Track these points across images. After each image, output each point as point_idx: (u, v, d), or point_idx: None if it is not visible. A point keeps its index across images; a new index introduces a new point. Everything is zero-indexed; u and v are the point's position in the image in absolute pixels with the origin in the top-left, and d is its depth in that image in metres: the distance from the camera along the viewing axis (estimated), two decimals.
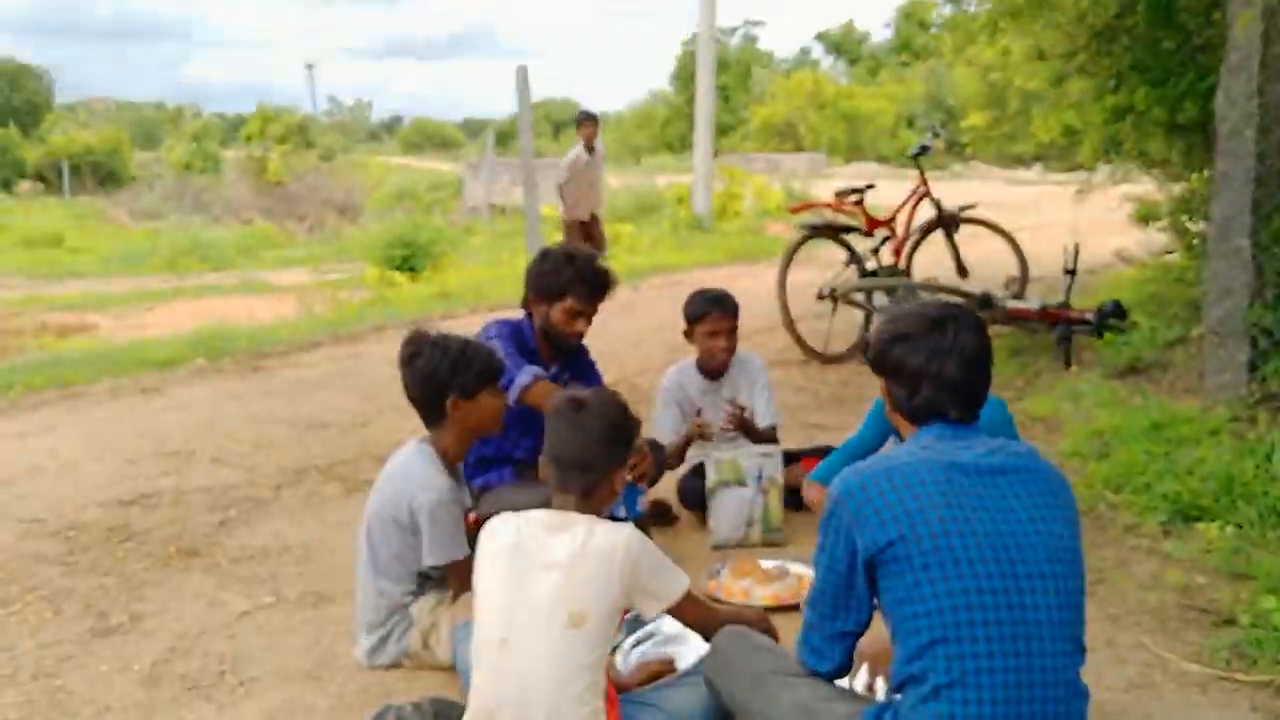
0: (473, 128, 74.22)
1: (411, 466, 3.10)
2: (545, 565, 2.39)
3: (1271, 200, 4.80)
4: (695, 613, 2.60)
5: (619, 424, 2.61)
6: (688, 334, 4.27)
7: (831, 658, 2.27)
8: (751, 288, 8.79)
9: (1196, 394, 5.17)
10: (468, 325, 8.35)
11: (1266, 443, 4.29)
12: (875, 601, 2.18)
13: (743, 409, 4.22)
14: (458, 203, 27.74)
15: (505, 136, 36.64)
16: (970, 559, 1.99)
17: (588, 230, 10.91)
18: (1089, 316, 6.41)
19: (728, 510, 3.94)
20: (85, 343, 8.69)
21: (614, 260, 10.86)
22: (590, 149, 10.76)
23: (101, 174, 33.17)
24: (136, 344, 7.84)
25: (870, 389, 6.34)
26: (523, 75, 11.68)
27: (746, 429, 4.21)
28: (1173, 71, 5.80)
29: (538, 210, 11.62)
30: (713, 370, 4.30)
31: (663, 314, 8.96)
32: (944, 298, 5.36)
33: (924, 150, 7.82)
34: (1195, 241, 7.21)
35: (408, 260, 12.99)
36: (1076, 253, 6.45)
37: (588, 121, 10.87)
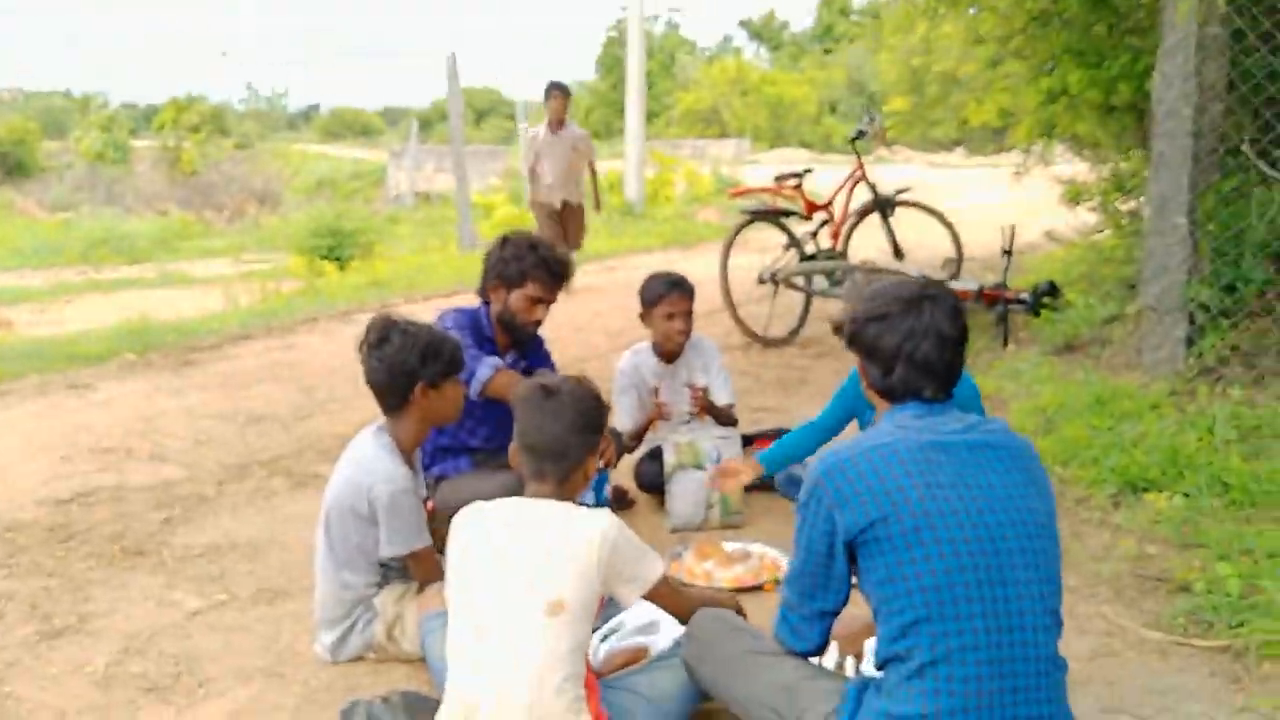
0: (392, 116, 73.33)
1: (369, 456, 3.04)
2: (522, 554, 2.36)
3: (1207, 179, 4.92)
4: (670, 596, 2.58)
5: (591, 410, 2.58)
6: (644, 317, 4.24)
7: (811, 637, 2.27)
8: (688, 272, 8.74)
9: (1135, 369, 5.28)
10: (406, 314, 8.22)
11: (1208, 415, 4.40)
12: (853, 580, 2.18)
13: (704, 389, 4.21)
14: (380, 191, 27.39)
15: (426, 124, 36.23)
16: (951, 538, 1.99)
17: (561, 219, 9.38)
18: (1025, 296, 6.51)
19: (687, 493, 3.92)
20: (3, 337, 8.36)
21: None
22: (559, 124, 9.31)
23: (9, 164, 32.04)
24: (60, 339, 7.57)
25: (813, 372, 6.40)
26: (453, 62, 11.56)
27: (711, 410, 4.20)
28: (1106, 54, 5.90)
29: (468, 198, 11.52)
30: (669, 353, 4.28)
31: (601, 300, 8.94)
32: (914, 274, 5.38)
33: (861, 135, 7.90)
34: (1124, 221, 7.38)
35: (333, 250, 12.75)
36: (1013, 234, 6.55)
37: (556, 93, 9.32)
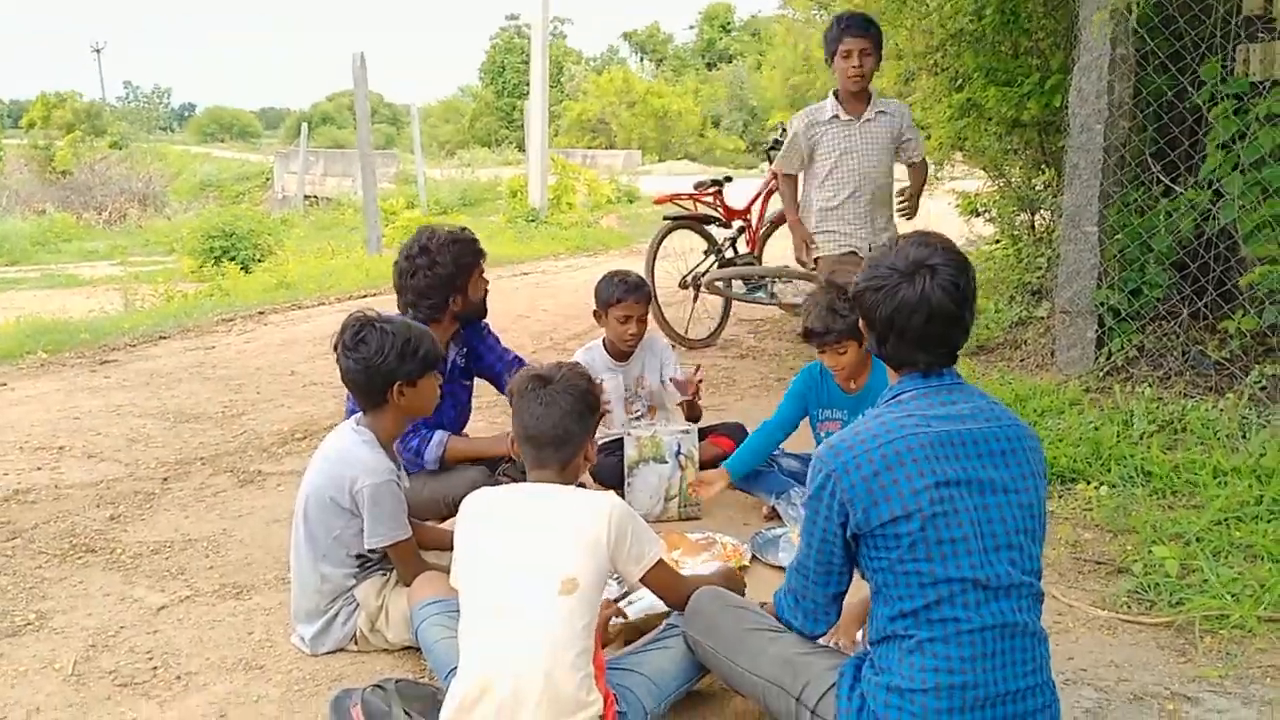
0: (270, 118, 71.63)
1: (351, 450, 3.04)
2: (534, 535, 2.43)
3: (1115, 190, 5.24)
4: (666, 577, 2.66)
5: (586, 393, 2.64)
6: (598, 316, 4.32)
7: (827, 619, 2.36)
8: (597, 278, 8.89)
9: (1048, 369, 5.59)
10: (315, 315, 8.17)
11: (1124, 410, 4.70)
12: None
13: (700, 382, 4.37)
14: (267, 193, 26.80)
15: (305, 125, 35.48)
16: (953, 538, 2.08)
17: None
18: None
19: (647, 485, 4.02)
20: None
21: None
22: None
23: None
24: None
25: (738, 372, 6.56)
26: (360, 62, 11.43)
27: (688, 409, 4.34)
28: (1016, 73, 6.22)
29: (376, 201, 11.41)
30: (620, 352, 4.37)
31: (520, 303, 8.96)
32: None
33: (776, 145, 8.12)
34: (1021, 232, 7.78)
35: (227, 252, 12.49)
36: None
37: None
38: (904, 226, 4.68)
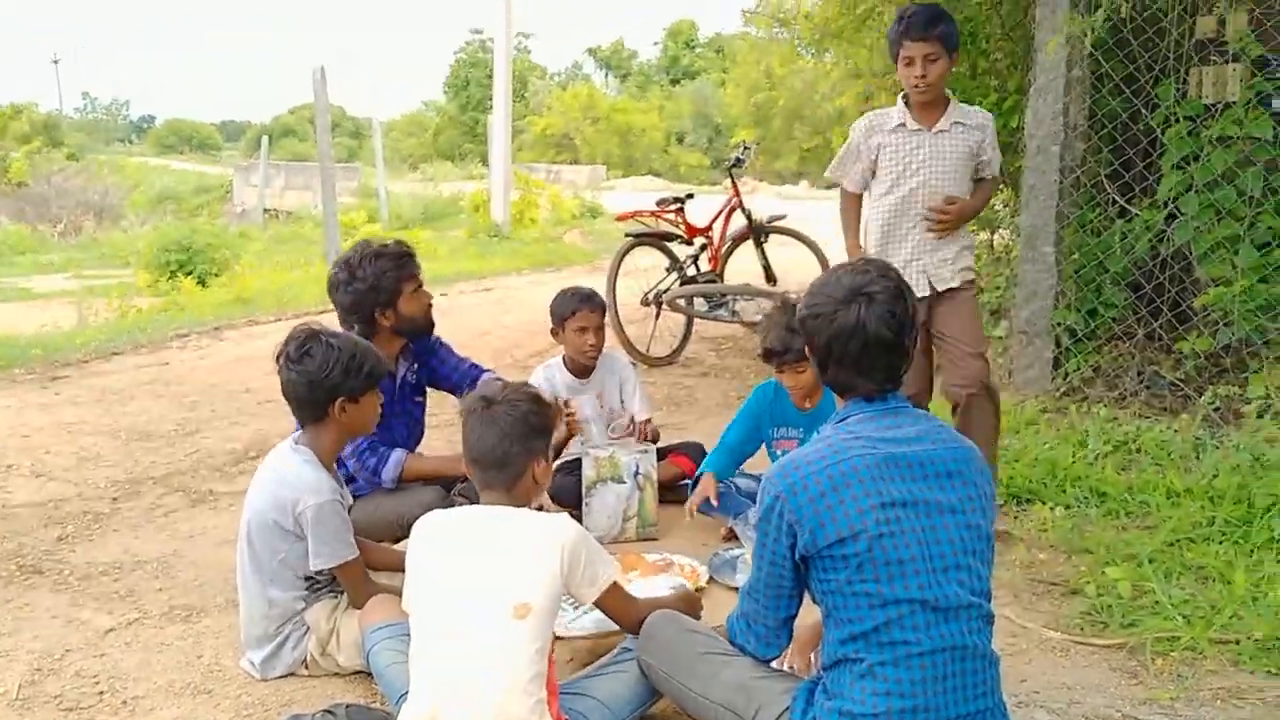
0: (231, 130, 71.12)
1: (291, 470, 2.99)
2: (486, 559, 2.40)
3: (1073, 211, 5.30)
4: (619, 601, 2.64)
5: (528, 414, 2.60)
6: (555, 333, 4.30)
7: (779, 643, 2.37)
8: None
9: (1005, 389, 5.61)
10: (272, 331, 8.07)
11: (1079, 431, 4.75)
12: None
13: (648, 422, 4.40)
14: (226, 206, 26.54)
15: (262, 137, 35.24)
16: (900, 558, 2.09)
17: None
18: None
19: (605, 506, 3.99)
20: None
21: None
22: None
23: None
24: None
25: (699, 390, 6.55)
26: (320, 76, 11.33)
27: (652, 437, 4.37)
28: (974, 93, 6.27)
29: (336, 215, 11.30)
30: (581, 368, 4.35)
31: (481, 319, 8.93)
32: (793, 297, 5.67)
33: (738, 163, 8.16)
34: (979, 252, 7.82)
35: (184, 265, 12.33)
36: None
37: None
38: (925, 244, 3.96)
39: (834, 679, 2.16)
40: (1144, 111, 5.01)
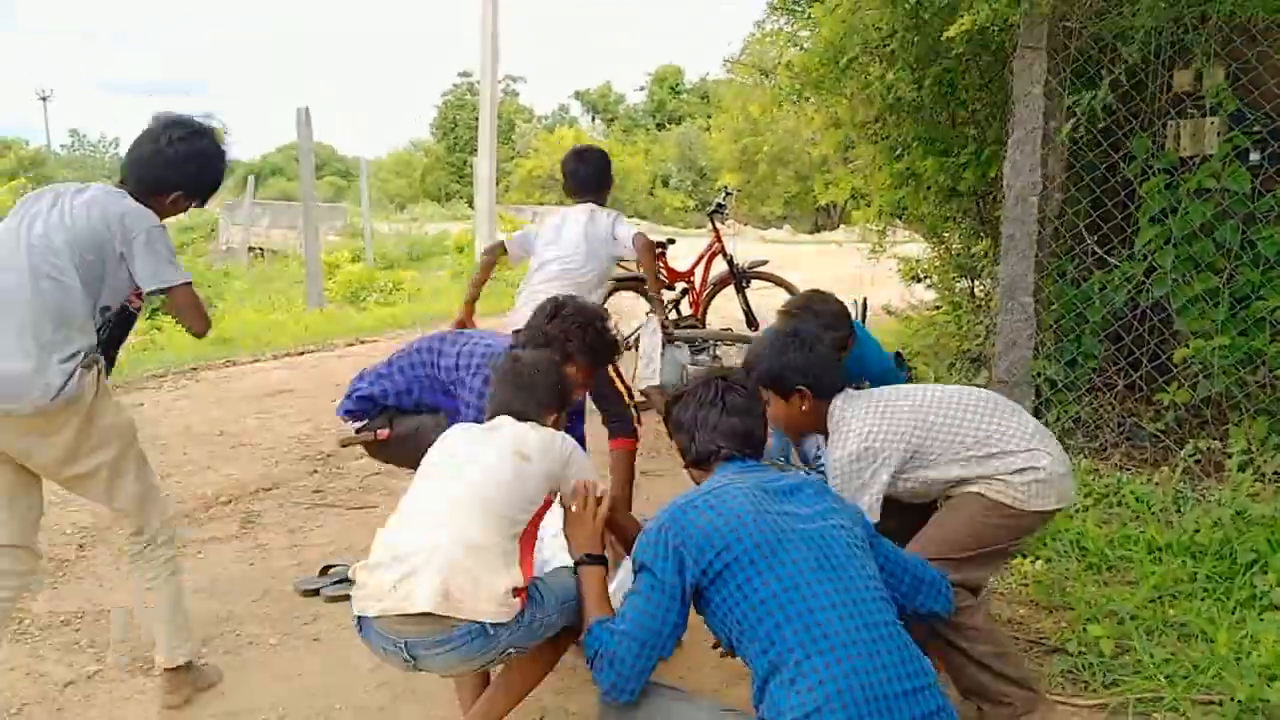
0: None
1: (112, 200, 2.93)
2: (498, 435, 2.72)
3: (1052, 261, 5.29)
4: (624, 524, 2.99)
5: (549, 374, 2.94)
6: None
7: (637, 689, 2.35)
8: None
9: None
10: (250, 373, 7.99)
11: None
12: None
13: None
14: (211, 244, 26.48)
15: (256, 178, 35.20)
16: (786, 547, 2.25)
17: None
18: None
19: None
20: None
21: (396, 307, 10.50)
22: None
23: None
24: None
25: None
26: (304, 117, 11.36)
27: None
28: (953, 143, 6.30)
29: (319, 255, 11.28)
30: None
31: None
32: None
33: (719, 209, 8.17)
34: (962, 299, 7.83)
35: (165, 304, 12.23)
36: (865, 306, 6.86)
37: None
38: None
39: (770, 704, 2.17)
40: (1122, 164, 5.01)
